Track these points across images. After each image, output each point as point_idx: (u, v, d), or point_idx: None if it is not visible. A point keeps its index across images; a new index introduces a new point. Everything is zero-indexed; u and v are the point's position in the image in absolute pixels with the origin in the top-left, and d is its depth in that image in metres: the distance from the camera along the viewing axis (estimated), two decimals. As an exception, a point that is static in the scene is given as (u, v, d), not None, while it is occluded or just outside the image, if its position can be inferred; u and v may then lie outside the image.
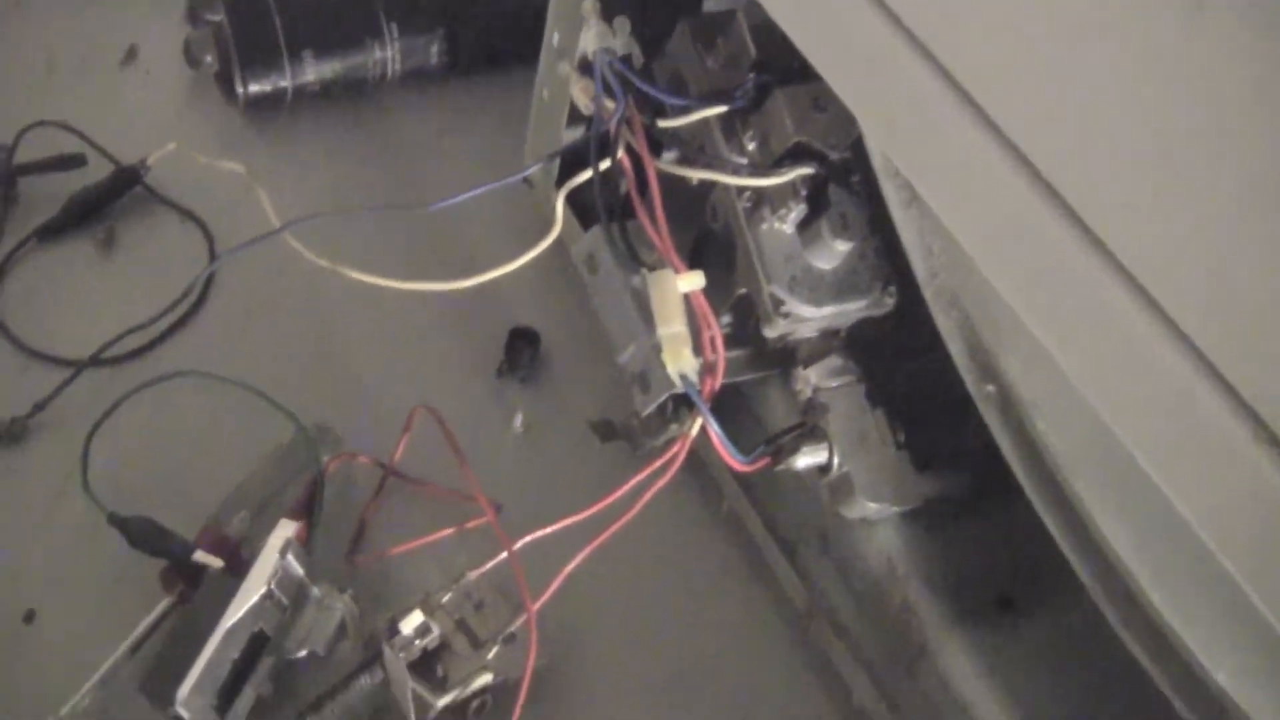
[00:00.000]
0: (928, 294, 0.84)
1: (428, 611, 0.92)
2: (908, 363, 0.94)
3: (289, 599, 0.95)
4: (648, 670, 1.01)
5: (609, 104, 0.96)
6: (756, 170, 0.93)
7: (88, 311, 1.17)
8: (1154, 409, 0.56)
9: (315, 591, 0.96)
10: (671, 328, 0.89)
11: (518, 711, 0.90)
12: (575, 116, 1.06)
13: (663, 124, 0.95)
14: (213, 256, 1.22)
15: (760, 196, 0.92)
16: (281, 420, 1.05)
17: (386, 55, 1.31)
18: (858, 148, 0.90)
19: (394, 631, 0.91)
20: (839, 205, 0.91)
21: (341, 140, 1.33)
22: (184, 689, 0.88)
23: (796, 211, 0.91)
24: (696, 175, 0.94)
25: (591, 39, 0.98)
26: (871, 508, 0.92)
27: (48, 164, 1.24)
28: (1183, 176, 0.52)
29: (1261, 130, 0.48)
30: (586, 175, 0.98)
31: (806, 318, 0.92)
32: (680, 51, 0.98)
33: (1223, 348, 0.52)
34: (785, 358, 0.97)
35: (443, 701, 0.91)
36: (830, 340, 0.95)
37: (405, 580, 1.01)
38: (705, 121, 0.94)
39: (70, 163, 1.25)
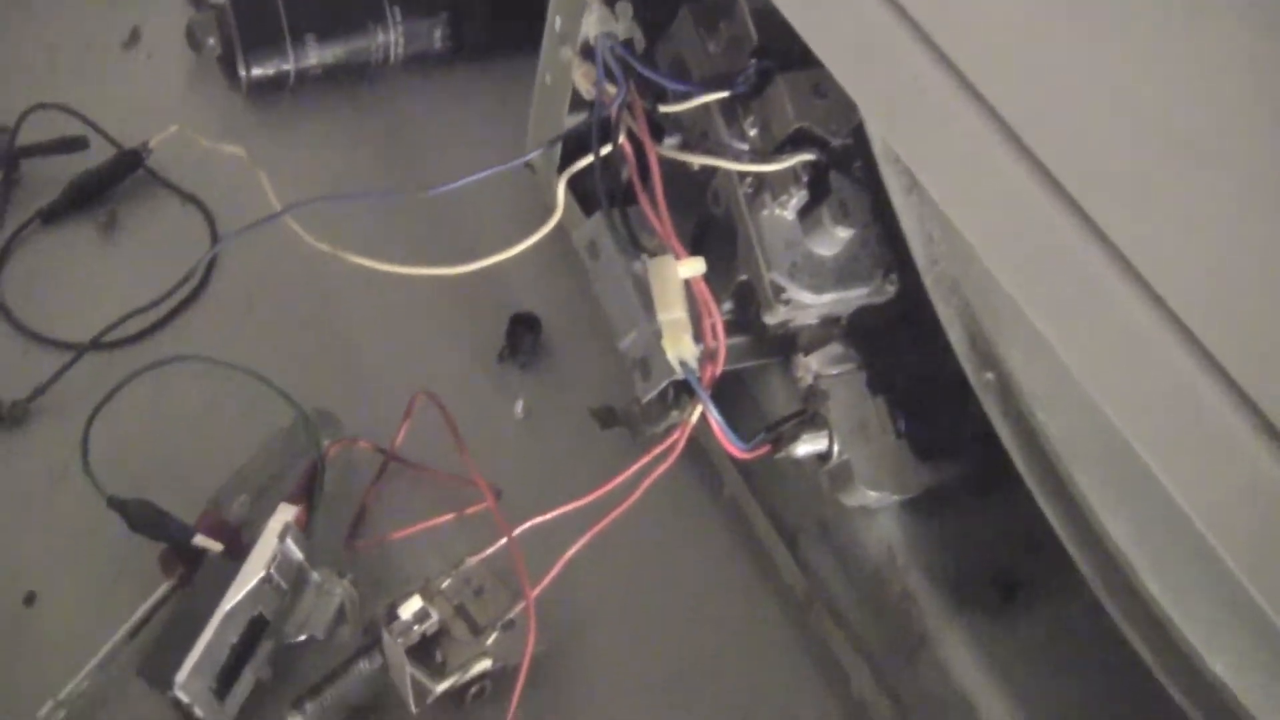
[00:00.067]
0: (928, 281, 0.84)
1: (427, 597, 0.92)
2: (909, 350, 0.94)
3: (288, 583, 0.95)
4: (646, 657, 1.01)
5: (610, 89, 0.96)
6: (758, 156, 0.93)
7: (89, 295, 1.17)
8: (1153, 401, 0.56)
9: (315, 576, 0.96)
10: (672, 314, 0.89)
11: (516, 697, 0.90)
12: (578, 102, 1.06)
13: (664, 109, 0.95)
14: (214, 240, 1.22)
15: (761, 182, 0.92)
16: (282, 404, 1.05)
17: (389, 39, 1.31)
18: (859, 134, 0.90)
19: (393, 617, 0.91)
20: (840, 192, 0.91)
21: (344, 124, 1.33)
22: (183, 672, 0.88)
23: (798, 198, 0.91)
24: (698, 161, 0.94)
25: (593, 23, 0.98)
26: (871, 496, 0.92)
27: (50, 146, 1.24)
28: (1185, 167, 0.51)
29: (1263, 122, 0.48)
30: (588, 160, 0.98)
31: (807, 304, 0.92)
32: (682, 36, 0.98)
33: (1223, 339, 0.52)
34: (786, 345, 0.96)
35: (441, 687, 0.91)
36: (831, 327, 0.95)
37: (405, 565, 1.01)
38: (707, 107, 0.94)
39: (72, 145, 1.24)
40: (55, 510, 1.03)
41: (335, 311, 1.18)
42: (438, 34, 1.33)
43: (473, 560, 0.95)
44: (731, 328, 0.94)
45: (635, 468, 0.93)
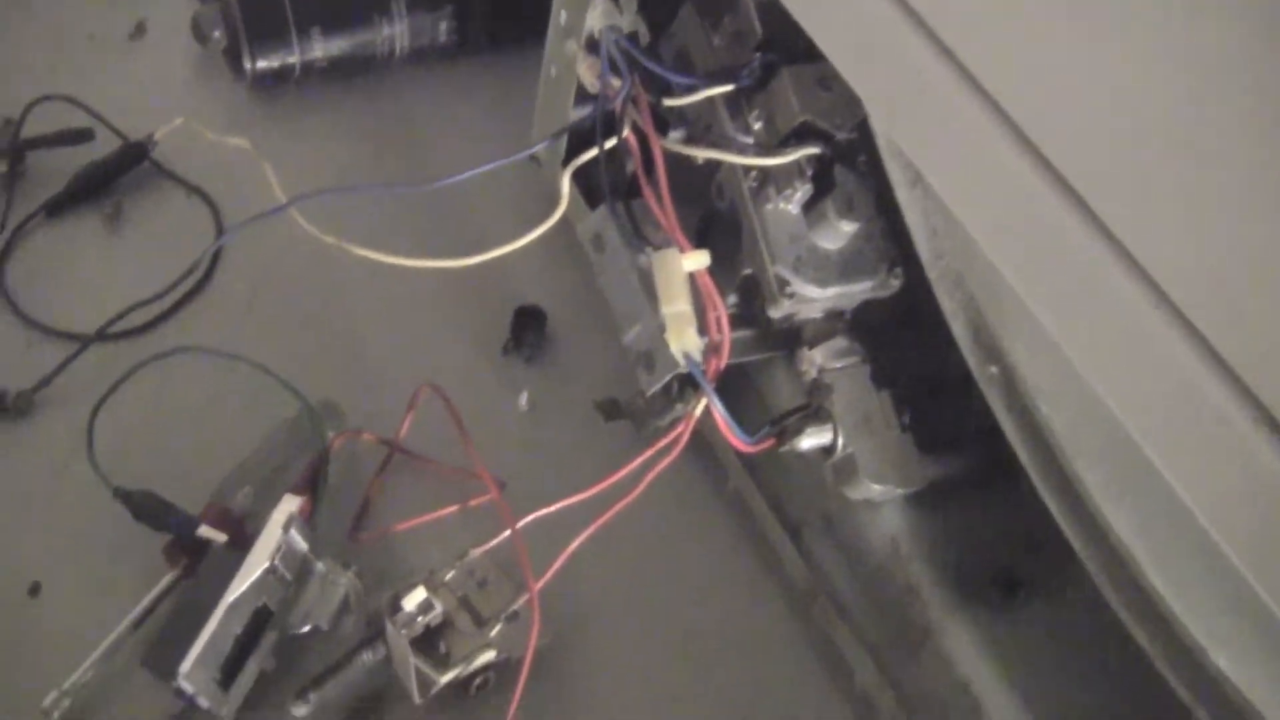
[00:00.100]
0: (932, 275, 0.84)
1: (431, 588, 0.92)
2: (913, 344, 0.94)
3: (292, 574, 0.95)
4: (650, 650, 1.02)
5: (615, 82, 0.96)
6: (762, 150, 0.93)
7: (94, 286, 1.17)
8: (1155, 395, 0.56)
9: (319, 567, 0.97)
10: (675, 306, 0.89)
11: (520, 689, 0.90)
12: (583, 95, 1.06)
13: (669, 103, 0.95)
14: (219, 232, 1.22)
15: (766, 176, 0.92)
16: (287, 396, 1.05)
17: (395, 32, 1.31)
18: (864, 128, 0.89)
19: (397, 608, 0.91)
20: (845, 186, 0.91)
21: (349, 117, 1.33)
22: (187, 662, 0.88)
23: (802, 192, 0.91)
24: (702, 154, 0.94)
25: (598, 17, 0.98)
26: (875, 489, 0.92)
27: (55, 138, 1.24)
28: (1188, 161, 0.51)
29: (1265, 117, 0.48)
30: (593, 153, 0.98)
31: (812, 298, 0.92)
32: (686, 30, 0.98)
33: (1225, 333, 0.52)
34: (790, 338, 0.96)
35: (445, 678, 0.91)
36: (835, 321, 0.95)
37: (409, 557, 1.02)
38: (711, 100, 0.94)
39: (78, 137, 1.25)
40: (60, 501, 1.03)
41: (340, 304, 1.18)
42: (443, 27, 1.33)
43: (476, 552, 0.95)
44: (736, 321, 0.94)
45: (639, 461, 0.93)
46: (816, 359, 0.94)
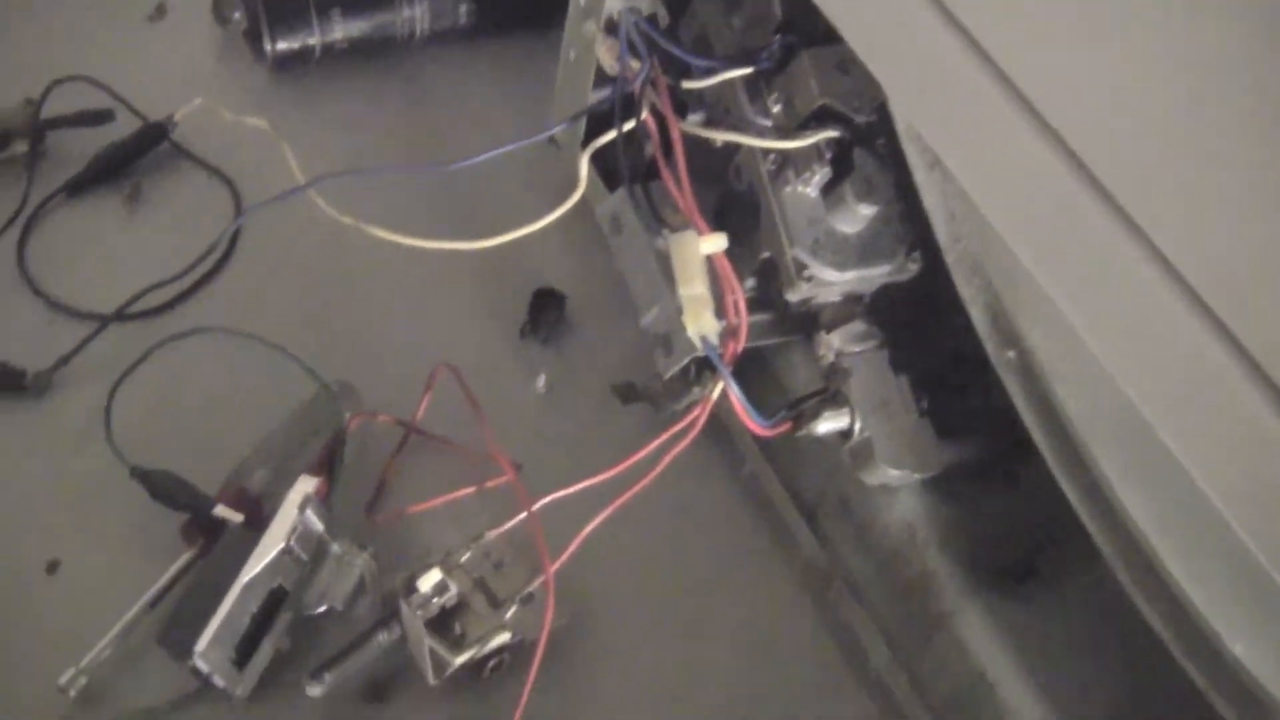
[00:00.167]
0: (950, 259, 0.84)
1: (446, 570, 0.92)
2: (931, 329, 0.94)
3: (308, 555, 0.95)
4: (664, 632, 1.02)
5: (634, 64, 0.96)
6: (781, 132, 0.92)
7: (113, 266, 1.17)
8: (1173, 380, 0.55)
9: (335, 548, 0.97)
10: (693, 289, 0.89)
11: (534, 671, 0.90)
12: (602, 77, 1.06)
13: (687, 85, 0.94)
14: (238, 213, 1.22)
15: (784, 159, 0.92)
16: (304, 377, 1.05)
17: (415, 14, 1.31)
18: (883, 111, 0.89)
19: (412, 589, 0.91)
20: (863, 169, 0.91)
21: (368, 99, 1.33)
22: (202, 641, 0.89)
23: (821, 174, 0.91)
24: (721, 137, 0.94)
25: (617, -1, 0.98)
26: (892, 474, 0.91)
27: (75, 119, 1.24)
28: (1207, 147, 0.51)
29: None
30: (611, 136, 0.98)
31: (829, 282, 0.92)
32: (706, 12, 0.98)
33: (1243, 319, 0.51)
34: (808, 322, 0.96)
35: (460, 659, 0.92)
36: (853, 305, 0.95)
37: (424, 538, 1.02)
38: (730, 83, 0.94)
39: (98, 118, 1.25)
40: (78, 480, 1.04)
41: (358, 285, 1.18)
42: (462, 9, 1.33)
43: (492, 534, 0.95)
44: (753, 304, 0.94)
45: (656, 444, 0.93)
46: (834, 343, 0.93)
